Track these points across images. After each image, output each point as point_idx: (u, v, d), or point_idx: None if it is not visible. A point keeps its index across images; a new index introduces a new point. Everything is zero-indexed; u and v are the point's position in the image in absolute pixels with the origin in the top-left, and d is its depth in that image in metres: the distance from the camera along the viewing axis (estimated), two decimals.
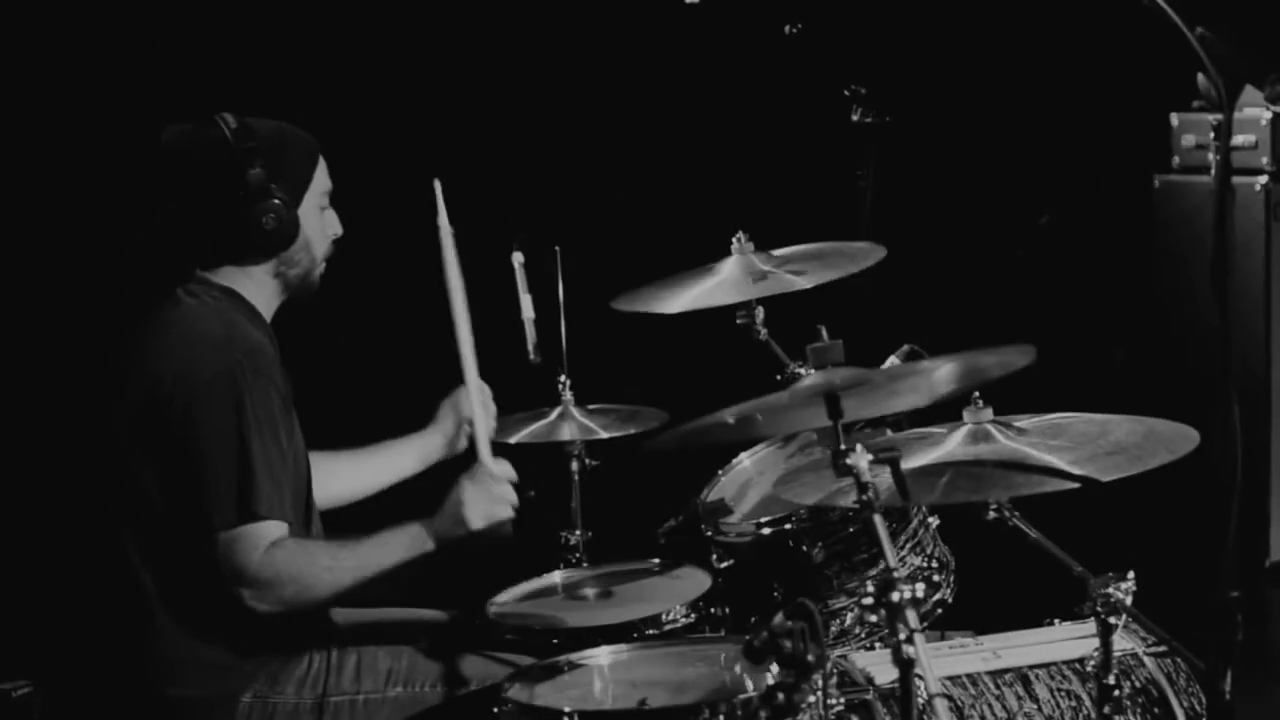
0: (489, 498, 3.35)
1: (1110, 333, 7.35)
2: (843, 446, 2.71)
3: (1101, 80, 7.17)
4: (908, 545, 3.67)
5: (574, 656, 3.23)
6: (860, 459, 2.71)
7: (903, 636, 2.54)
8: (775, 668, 2.87)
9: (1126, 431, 3.04)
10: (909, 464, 2.93)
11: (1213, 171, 6.61)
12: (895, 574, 2.58)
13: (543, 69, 6.20)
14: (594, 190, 6.19)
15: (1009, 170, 6.99)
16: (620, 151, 6.28)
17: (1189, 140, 6.78)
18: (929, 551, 3.73)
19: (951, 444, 3.06)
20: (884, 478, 2.78)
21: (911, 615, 2.55)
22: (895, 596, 2.55)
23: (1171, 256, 6.85)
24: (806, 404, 2.85)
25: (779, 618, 2.65)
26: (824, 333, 3.40)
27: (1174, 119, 6.83)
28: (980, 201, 7.04)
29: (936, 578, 3.72)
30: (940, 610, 3.73)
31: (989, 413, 3.09)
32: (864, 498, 2.69)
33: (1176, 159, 6.84)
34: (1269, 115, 6.47)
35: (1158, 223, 6.90)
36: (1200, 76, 2.49)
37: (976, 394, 3.08)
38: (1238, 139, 6.56)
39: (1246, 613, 2.64)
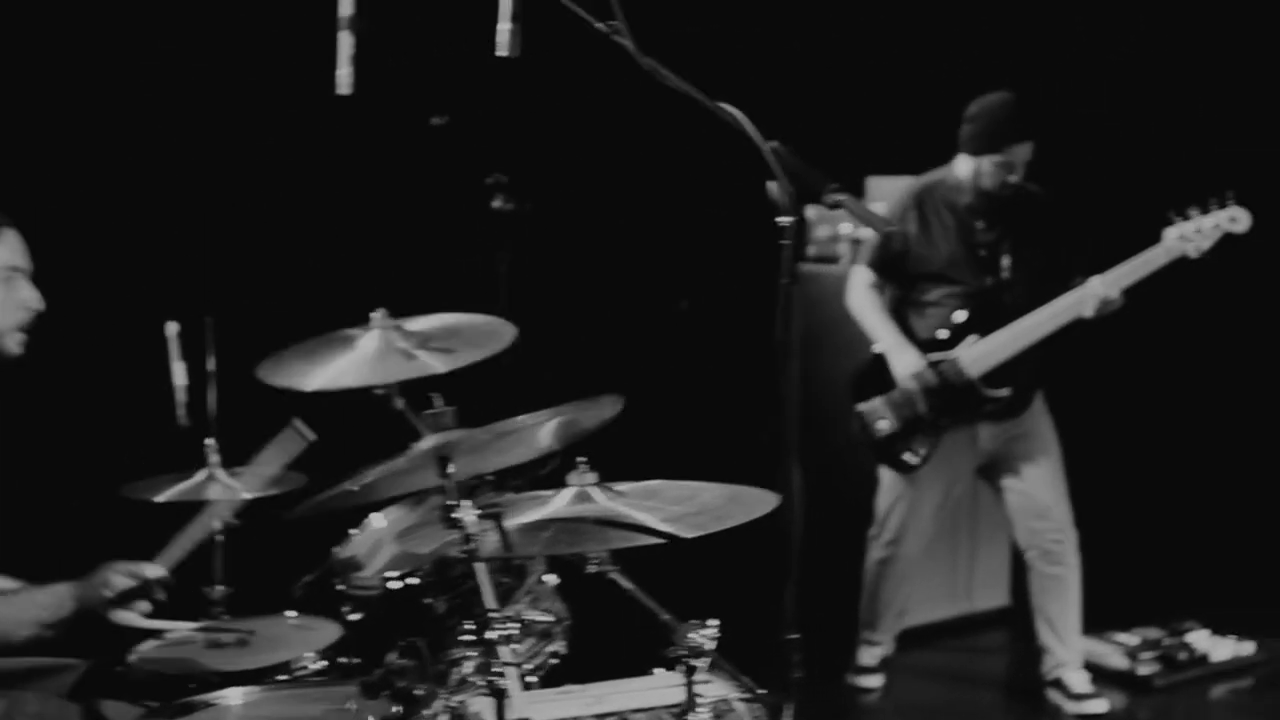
0: (128, 573, 3.59)
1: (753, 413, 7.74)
2: (451, 503, 3.00)
3: (739, 173, 7.59)
4: (525, 600, 3.95)
5: (207, 696, 3.45)
6: (467, 514, 3.00)
7: (496, 670, 2.83)
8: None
9: (713, 495, 3.40)
10: (516, 520, 3.24)
11: (843, 262, 7.11)
12: (493, 614, 2.88)
13: (198, 146, 6.38)
14: (249, 264, 6.38)
15: (648, 256, 7.37)
16: (276, 231, 6.47)
17: (823, 232, 7.27)
18: (545, 606, 4.02)
19: (558, 503, 3.38)
20: (493, 532, 3.07)
21: (506, 652, 2.84)
22: (491, 634, 2.84)
23: (807, 341, 7.26)
24: (425, 465, 3.13)
25: (392, 657, 2.93)
26: (438, 400, 3.68)
27: (810, 212, 7.31)
28: (618, 284, 7.40)
29: (552, 631, 4.00)
30: (556, 661, 4.00)
31: (593, 476, 3.41)
32: (469, 548, 2.98)
33: (812, 249, 7.31)
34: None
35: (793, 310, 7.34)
36: (771, 184, 2.82)
37: (582, 458, 3.40)
38: (865, 232, 7.06)
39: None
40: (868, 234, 6.43)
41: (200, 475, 4.41)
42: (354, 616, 4.02)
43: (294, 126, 6.25)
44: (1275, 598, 7.76)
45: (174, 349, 4.47)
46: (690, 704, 3.26)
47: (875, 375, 6.15)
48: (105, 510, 4.42)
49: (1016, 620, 6.95)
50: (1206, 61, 9.07)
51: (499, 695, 2.81)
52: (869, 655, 6.40)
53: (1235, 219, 5.82)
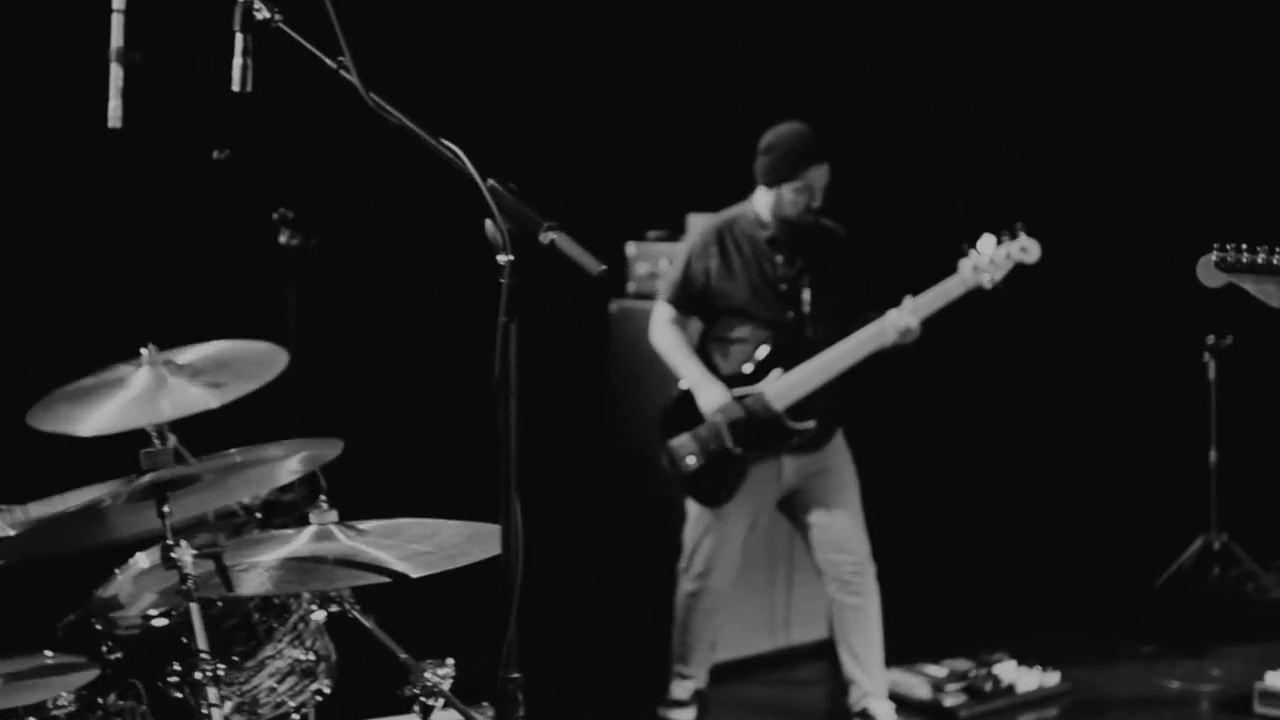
0: None
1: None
2: (170, 541, 3.01)
3: (564, 209, 7.64)
4: (287, 639, 3.95)
5: None
6: (184, 553, 3.01)
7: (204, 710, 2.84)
8: None
9: (452, 533, 3.43)
10: (251, 558, 3.25)
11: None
12: (203, 655, 2.89)
13: None
14: (22, 302, 6.30)
15: (455, 291, 7.39)
16: (48, 268, 6.41)
17: (643, 268, 7.33)
18: (309, 645, 4.02)
19: (299, 541, 3.40)
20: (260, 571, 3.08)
21: (213, 692, 2.85)
22: (198, 675, 2.85)
23: (626, 374, 7.36)
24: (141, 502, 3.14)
25: (112, 697, 2.93)
26: (156, 437, 3.66)
27: (630, 248, 7.37)
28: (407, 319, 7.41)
29: (316, 670, 4.01)
30: (320, 698, 4.01)
31: (334, 515, 3.44)
32: (185, 587, 2.99)
33: (632, 285, 7.37)
34: None
35: (613, 345, 7.41)
36: (488, 222, 2.84)
37: (323, 498, 3.42)
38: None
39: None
40: (670, 269, 6.51)
41: None
42: (115, 655, 4.00)
43: (66, 161, 6.17)
44: (1082, 627, 7.93)
45: None
46: None
47: (682, 410, 6.20)
48: None
49: (834, 653, 6.99)
50: (1001, 91, 9.24)
51: None
52: (681, 689, 6.43)
53: (1026, 249, 5.95)
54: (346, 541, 3.38)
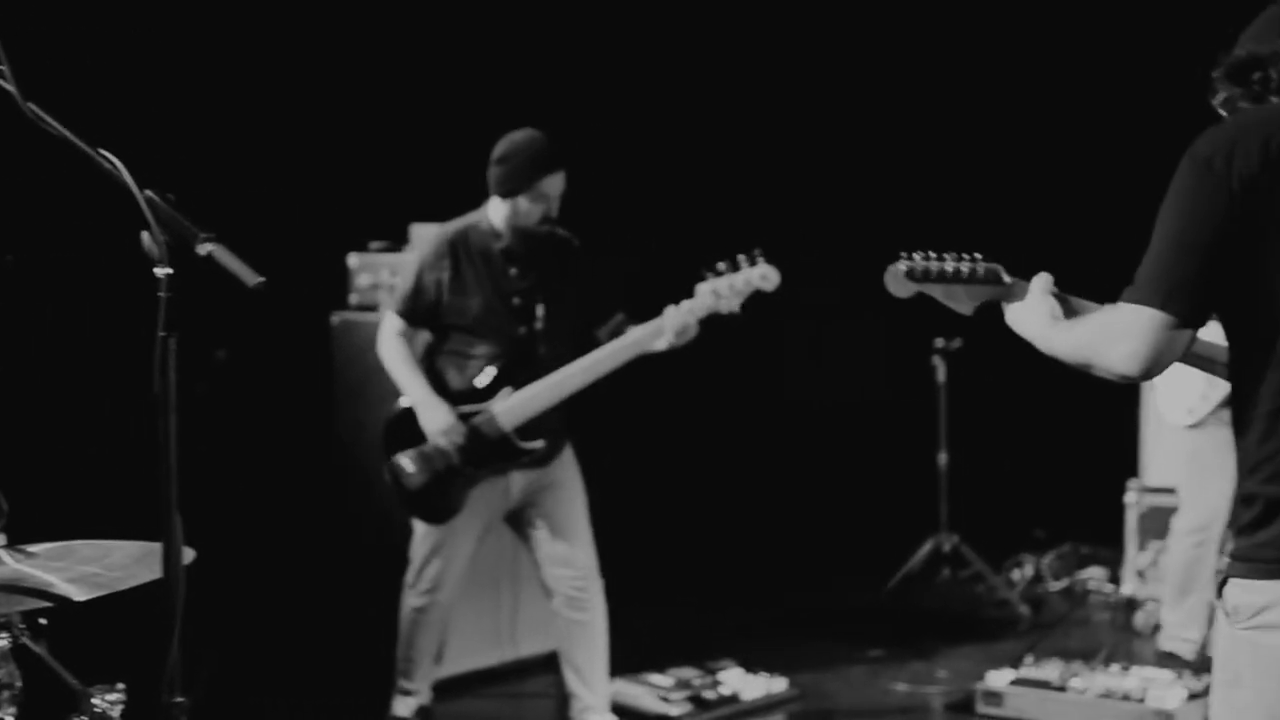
0: None
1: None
2: None
3: (284, 220, 7.52)
4: None
5: None
6: None
7: None
8: None
9: (125, 554, 3.31)
10: None
11: (383, 309, 7.05)
12: None
13: None
14: None
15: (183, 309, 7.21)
16: None
17: (365, 280, 7.21)
18: None
19: None
20: None
21: None
22: None
23: (348, 388, 7.24)
24: None
25: None
26: None
27: (352, 259, 7.25)
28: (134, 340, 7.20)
29: (2, 696, 3.84)
30: None
31: (1, 538, 3.30)
32: None
33: (354, 296, 7.25)
34: None
35: (336, 357, 7.28)
36: (144, 233, 2.74)
37: None
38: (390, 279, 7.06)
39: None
40: (400, 280, 6.39)
41: None
42: None
43: None
44: (811, 633, 8.00)
45: None
46: None
47: (406, 427, 6.05)
48: None
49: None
50: (741, 111, 9.32)
51: None
52: (404, 706, 6.33)
53: (765, 276, 5.84)
54: (13, 565, 3.24)
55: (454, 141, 8.11)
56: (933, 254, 3.43)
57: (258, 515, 7.55)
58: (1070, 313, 3.30)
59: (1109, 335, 3.03)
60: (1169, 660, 7.11)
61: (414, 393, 6.03)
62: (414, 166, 8.03)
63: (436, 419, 5.94)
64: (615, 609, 6.23)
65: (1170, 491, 7.79)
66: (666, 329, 5.84)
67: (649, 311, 5.92)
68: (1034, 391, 9.75)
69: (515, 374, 5.99)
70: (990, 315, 3.49)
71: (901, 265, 3.42)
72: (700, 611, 8.14)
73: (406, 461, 6.03)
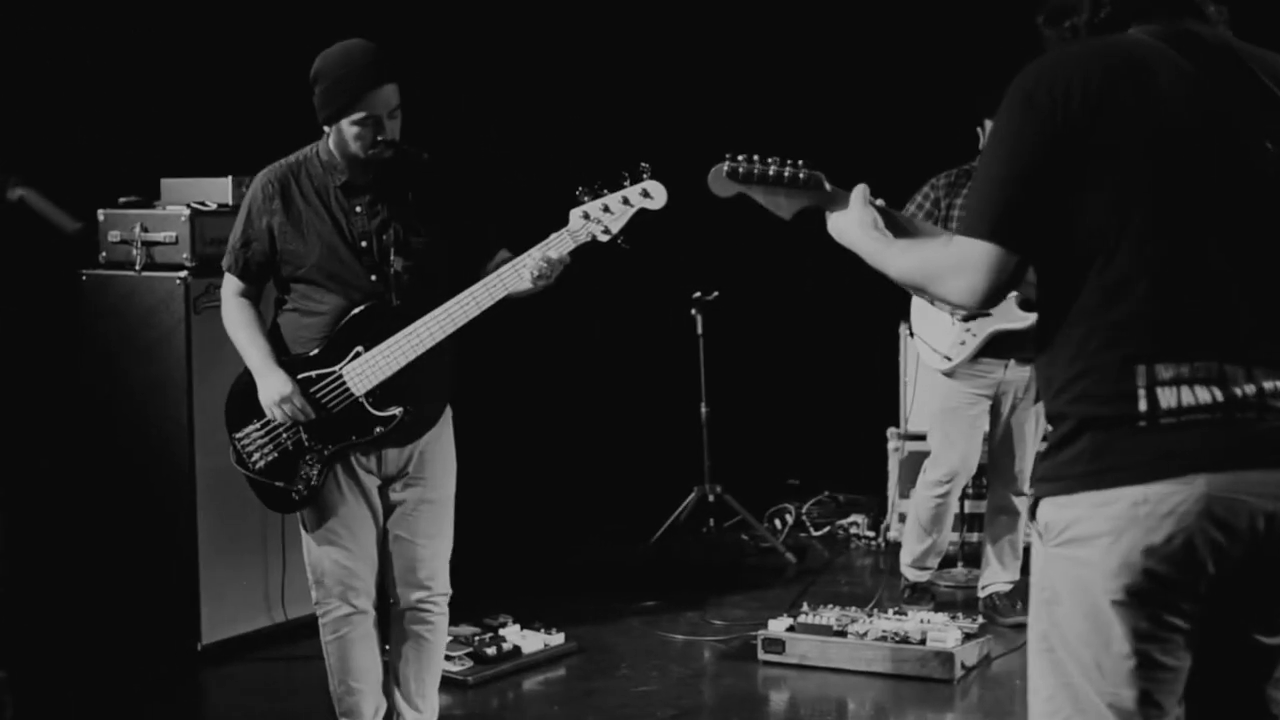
0: None
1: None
2: None
3: (31, 174, 7.20)
4: None
5: None
6: None
7: None
8: None
9: None
10: None
11: (137, 266, 6.80)
12: None
13: None
14: None
15: None
16: None
17: (115, 235, 6.92)
18: None
19: None
20: None
21: None
22: None
23: (99, 348, 6.97)
24: None
25: None
26: None
27: (100, 215, 6.96)
28: None
29: None
30: None
31: None
32: None
33: (104, 254, 6.96)
34: (188, 212, 6.73)
35: (85, 316, 7.00)
36: None
37: None
38: (159, 235, 6.79)
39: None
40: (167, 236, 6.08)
41: None
42: None
43: None
44: (583, 586, 8.00)
45: None
46: None
47: (247, 399, 5.21)
48: None
49: None
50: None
51: None
52: None
53: (649, 194, 4.95)
54: None
55: (208, 92, 7.87)
56: (756, 157, 3.42)
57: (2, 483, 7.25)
58: (892, 224, 3.36)
59: (944, 268, 3.08)
60: (914, 594, 7.38)
61: (251, 359, 5.18)
62: (165, 118, 7.73)
63: (271, 388, 5.09)
64: None
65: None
66: (524, 275, 4.99)
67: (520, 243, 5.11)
68: (793, 341, 9.87)
69: (367, 329, 5.11)
70: (809, 221, 3.47)
71: (725, 165, 3.42)
72: (473, 568, 8.02)
73: (249, 438, 5.24)
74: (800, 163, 3.43)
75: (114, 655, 6.73)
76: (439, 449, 5.36)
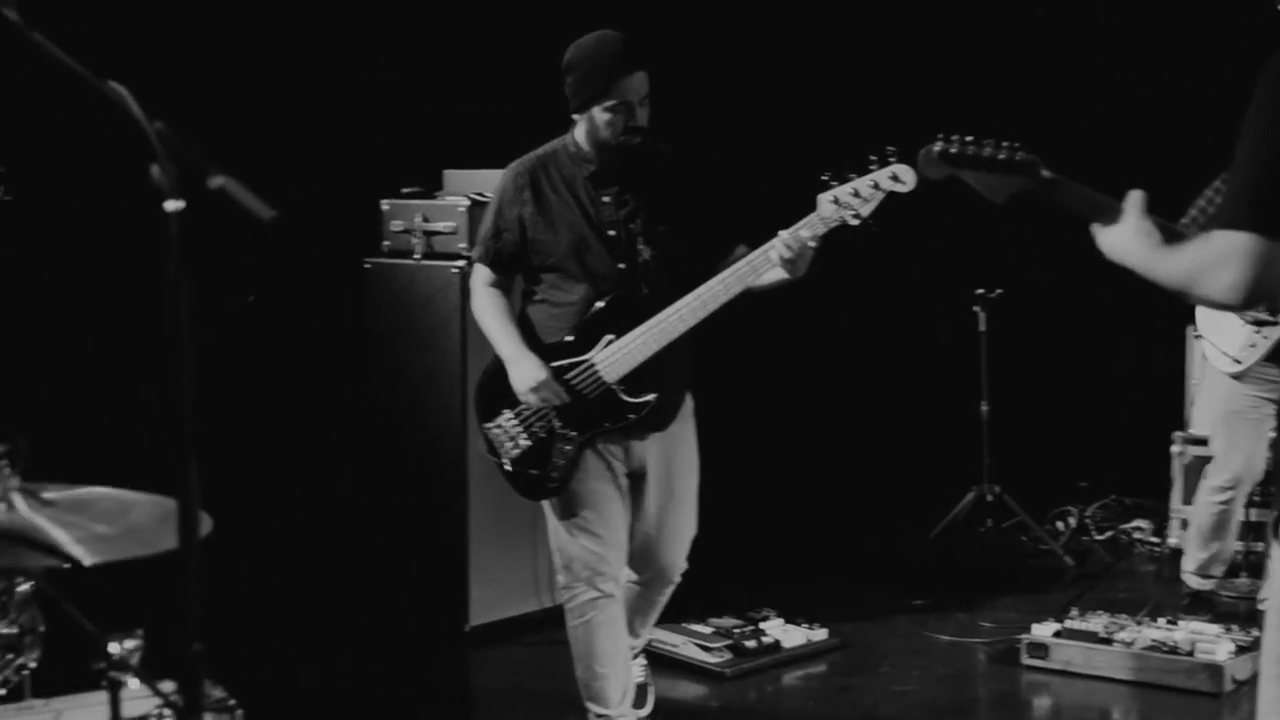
0: None
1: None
2: None
3: (316, 166, 7.43)
4: None
5: None
6: None
7: None
8: None
9: (146, 513, 3.21)
10: None
11: (416, 255, 6.97)
12: None
13: None
14: None
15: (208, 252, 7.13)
16: None
17: (397, 225, 7.11)
18: (13, 618, 3.78)
19: None
20: None
21: None
22: None
23: (380, 335, 7.15)
24: None
25: None
26: None
27: (384, 205, 7.15)
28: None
29: (21, 644, 3.77)
30: (26, 673, 3.78)
31: (16, 481, 3.21)
32: None
33: (387, 243, 7.15)
34: (467, 203, 6.87)
35: (368, 304, 7.19)
36: (154, 166, 2.62)
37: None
38: (439, 225, 6.95)
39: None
40: (448, 226, 6.18)
41: None
42: None
43: None
44: (854, 582, 7.93)
45: None
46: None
47: (498, 389, 5.27)
48: None
49: None
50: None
51: None
52: None
53: (898, 178, 4.83)
54: (25, 514, 3.14)
55: (490, 85, 8.02)
56: (970, 138, 3.29)
57: (284, 467, 7.48)
58: (1162, 231, 3.16)
59: (1204, 265, 2.91)
60: (1195, 603, 7.15)
61: (502, 348, 5.25)
62: (448, 111, 7.90)
63: (525, 375, 5.14)
64: None
65: None
66: (773, 256, 4.95)
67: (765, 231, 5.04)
68: (1077, 341, 9.66)
69: (617, 317, 5.18)
70: (1021, 207, 3.34)
71: (936, 146, 3.28)
72: (742, 561, 8.03)
73: (502, 428, 5.32)
74: (1017, 145, 3.27)
75: (385, 634, 6.90)
76: (683, 445, 5.45)
